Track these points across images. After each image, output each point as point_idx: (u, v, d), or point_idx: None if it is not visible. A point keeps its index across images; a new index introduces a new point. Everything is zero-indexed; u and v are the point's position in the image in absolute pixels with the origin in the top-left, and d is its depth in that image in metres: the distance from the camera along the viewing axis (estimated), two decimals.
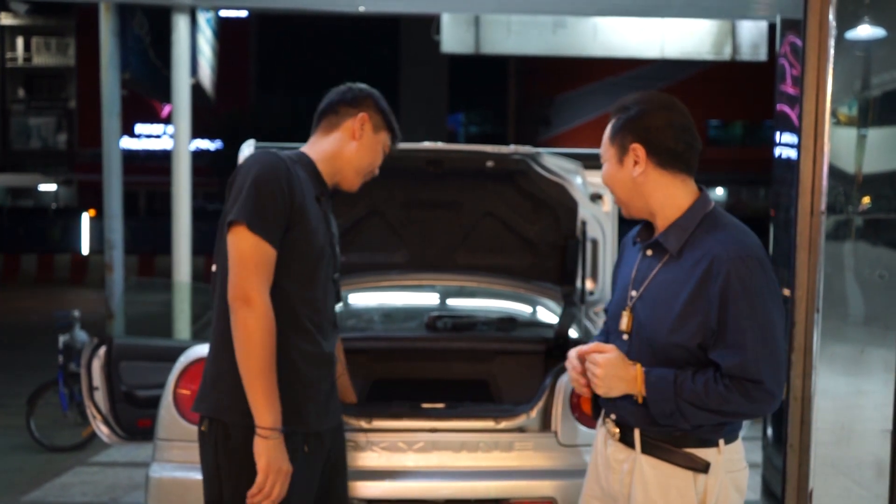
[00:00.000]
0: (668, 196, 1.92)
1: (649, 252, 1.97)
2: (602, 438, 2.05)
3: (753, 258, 1.82)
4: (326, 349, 2.18)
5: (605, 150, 1.99)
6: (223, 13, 11.90)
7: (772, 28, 9.07)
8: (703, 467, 1.88)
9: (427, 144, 3.19)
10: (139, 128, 29.26)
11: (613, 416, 1.99)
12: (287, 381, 2.05)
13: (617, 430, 1.97)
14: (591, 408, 2.14)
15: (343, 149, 2.22)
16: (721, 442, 1.90)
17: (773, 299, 1.84)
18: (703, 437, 1.89)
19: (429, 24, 10.13)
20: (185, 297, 7.98)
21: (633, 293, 1.96)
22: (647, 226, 2.02)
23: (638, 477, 1.92)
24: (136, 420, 3.24)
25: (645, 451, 1.92)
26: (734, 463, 1.93)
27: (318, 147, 2.23)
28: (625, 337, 1.96)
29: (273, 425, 1.99)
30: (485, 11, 9.34)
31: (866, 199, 2.80)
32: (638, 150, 1.91)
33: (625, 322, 1.95)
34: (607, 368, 1.89)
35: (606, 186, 2.02)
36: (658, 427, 1.90)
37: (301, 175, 2.13)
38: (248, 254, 1.99)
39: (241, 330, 1.98)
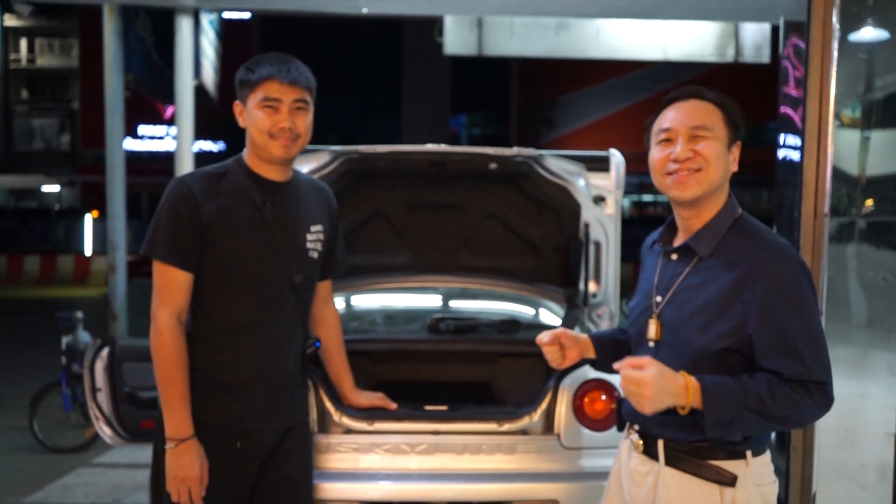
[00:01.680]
0: (719, 197, 1.89)
1: (674, 256, 1.92)
2: (626, 450, 1.98)
3: (795, 261, 1.78)
4: (267, 351, 2.25)
5: (718, 126, 1.85)
6: (226, 15, 11.92)
7: (775, 30, 9.06)
8: (730, 481, 1.80)
9: (430, 146, 3.19)
10: (142, 129, 29.27)
11: (637, 427, 1.92)
12: (215, 379, 2.22)
13: (640, 442, 1.90)
14: (616, 419, 2.09)
15: (248, 138, 2.27)
16: (749, 454, 1.81)
17: (813, 301, 1.80)
18: (731, 449, 1.81)
19: (431, 26, 10.14)
20: None
21: (659, 299, 1.90)
22: (667, 230, 1.97)
23: (662, 490, 1.85)
24: (138, 421, 3.23)
25: (669, 463, 1.85)
26: (763, 476, 1.85)
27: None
28: (651, 344, 1.90)
29: (171, 435, 2.16)
30: (487, 13, 9.35)
31: (869, 202, 2.80)
32: (738, 149, 1.90)
33: (653, 329, 1.89)
34: (656, 387, 1.71)
35: (706, 160, 1.84)
36: (683, 437, 1.83)
37: (228, 188, 2.22)
38: (155, 279, 2.21)
39: (150, 346, 2.19)
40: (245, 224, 2.21)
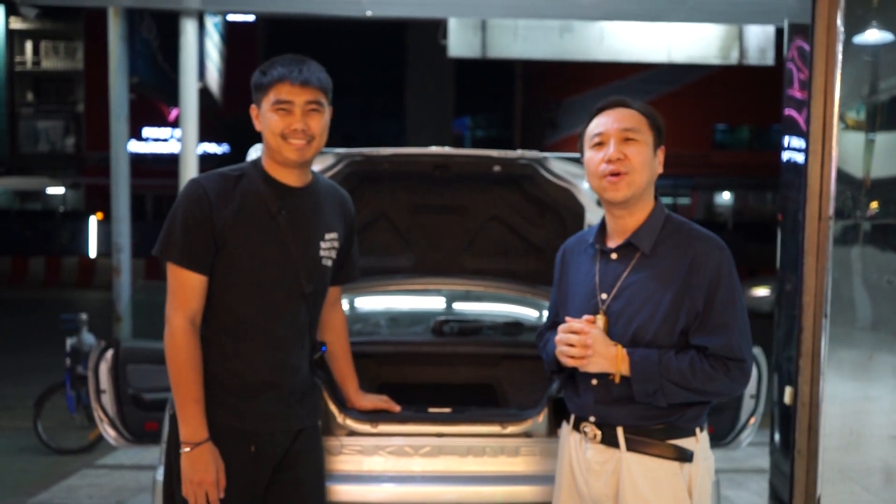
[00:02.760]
0: (649, 198, 2.07)
1: (614, 256, 2.06)
2: (575, 444, 2.09)
3: (727, 250, 2.01)
4: (276, 358, 2.23)
5: (645, 131, 2.03)
6: (230, 17, 11.94)
7: (779, 32, 9.05)
8: (689, 457, 1.98)
9: (434, 149, 3.19)
10: (147, 131, 29.35)
11: (593, 419, 2.04)
12: (226, 384, 2.20)
13: (598, 432, 2.02)
14: (550, 417, 2.24)
15: (264, 141, 2.24)
16: (697, 430, 2.01)
17: (741, 286, 2.03)
18: (683, 427, 1.99)
19: (435, 28, 10.15)
20: None
21: (604, 296, 2.03)
22: (599, 233, 2.12)
23: (626, 475, 1.98)
24: (142, 423, 3.24)
25: (630, 448, 1.98)
26: (707, 451, 2.05)
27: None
28: None
29: (185, 439, 2.14)
30: (492, 16, 9.35)
31: (874, 204, 2.79)
32: (662, 153, 2.07)
33: (601, 325, 2.01)
34: (597, 347, 1.96)
35: (633, 165, 2.00)
36: (643, 423, 1.97)
37: (244, 191, 2.19)
38: (168, 281, 2.18)
39: (164, 349, 2.17)
40: (258, 230, 2.18)
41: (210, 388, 2.18)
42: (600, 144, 2.03)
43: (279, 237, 2.20)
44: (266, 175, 2.24)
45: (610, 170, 1.99)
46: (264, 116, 2.19)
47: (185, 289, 2.16)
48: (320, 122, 2.20)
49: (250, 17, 18.29)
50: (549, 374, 2.29)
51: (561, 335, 2.01)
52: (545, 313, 4.09)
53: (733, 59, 9.99)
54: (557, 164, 3.24)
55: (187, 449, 2.13)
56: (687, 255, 1.98)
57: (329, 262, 2.33)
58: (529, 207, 3.48)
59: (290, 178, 2.25)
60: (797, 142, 3.65)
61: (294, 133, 2.16)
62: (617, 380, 1.96)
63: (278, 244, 2.20)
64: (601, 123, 2.05)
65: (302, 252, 2.24)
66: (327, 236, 2.31)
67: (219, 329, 2.21)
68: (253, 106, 2.24)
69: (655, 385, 1.92)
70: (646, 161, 2.01)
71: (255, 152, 3.15)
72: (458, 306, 4.27)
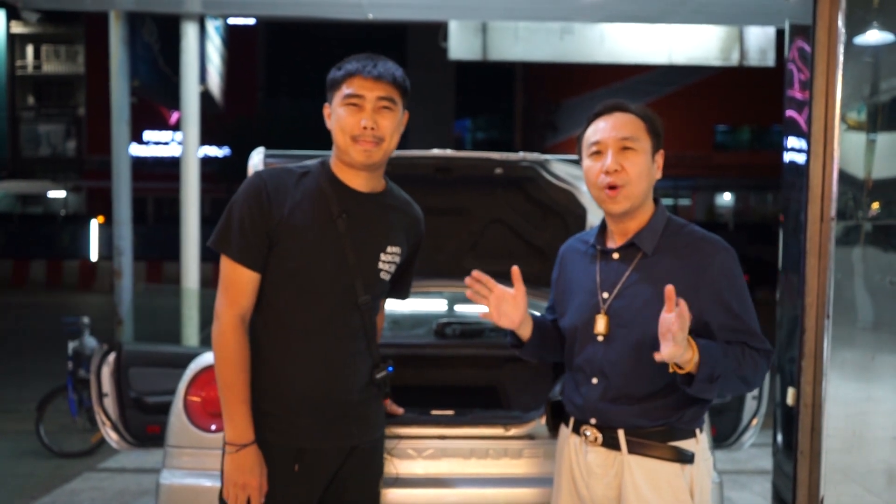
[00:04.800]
0: (649, 202, 2.05)
1: (615, 256, 2.04)
2: (574, 448, 2.07)
3: (731, 250, 2.00)
4: (324, 368, 2.11)
5: (643, 137, 2.00)
6: (231, 21, 11.96)
7: (780, 33, 9.05)
8: (690, 458, 1.96)
9: (435, 151, 3.19)
10: (148, 135, 29.42)
11: (594, 422, 2.02)
12: (268, 392, 2.09)
13: (599, 435, 2.00)
14: (549, 421, 2.20)
15: (333, 140, 2.13)
16: (697, 432, 2.00)
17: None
18: (684, 429, 1.98)
19: (436, 31, 10.15)
20: (193, 303, 8.00)
21: (605, 295, 2.01)
22: (600, 234, 2.10)
23: (628, 478, 1.96)
24: (145, 426, 3.25)
25: (632, 450, 1.97)
26: (706, 452, 2.04)
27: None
28: (600, 339, 2.01)
29: (231, 440, 2.05)
30: (492, 18, 9.36)
31: (876, 205, 2.79)
32: (661, 157, 2.04)
33: (602, 324, 2.00)
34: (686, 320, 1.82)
35: (630, 177, 1.97)
36: (644, 423, 1.96)
37: (306, 190, 2.09)
38: (221, 274, 2.08)
39: (212, 345, 2.08)
40: (316, 231, 2.07)
41: (254, 400, 2.07)
42: (598, 154, 2.00)
43: (337, 240, 2.08)
44: (332, 176, 2.13)
45: (608, 182, 1.97)
46: (334, 112, 2.08)
47: (238, 284, 2.06)
48: (391, 122, 2.07)
49: (251, 21, 18.32)
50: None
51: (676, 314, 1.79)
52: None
53: (734, 60, 9.99)
54: (559, 166, 3.25)
55: (232, 450, 2.03)
56: (693, 257, 1.97)
57: (387, 277, 2.20)
58: (531, 209, 3.48)
59: (356, 182, 2.13)
60: (798, 143, 3.65)
61: (363, 131, 2.03)
62: (688, 367, 1.82)
63: (335, 248, 2.08)
64: (598, 130, 2.01)
65: (360, 260, 2.11)
66: (389, 249, 2.18)
67: (264, 334, 2.11)
68: (326, 104, 2.13)
69: (721, 369, 1.85)
70: (643, 171, 1.98)
71: (256, 156, 3.15)
72: (461, 309, 4.27)
